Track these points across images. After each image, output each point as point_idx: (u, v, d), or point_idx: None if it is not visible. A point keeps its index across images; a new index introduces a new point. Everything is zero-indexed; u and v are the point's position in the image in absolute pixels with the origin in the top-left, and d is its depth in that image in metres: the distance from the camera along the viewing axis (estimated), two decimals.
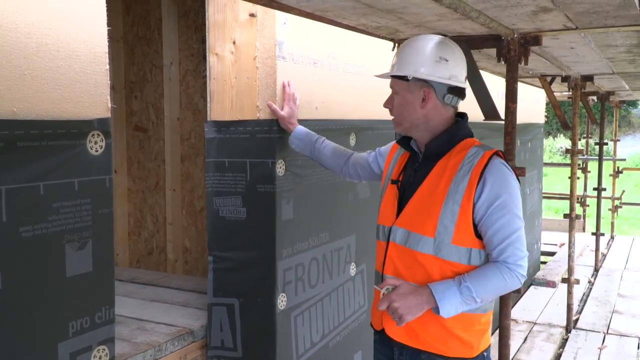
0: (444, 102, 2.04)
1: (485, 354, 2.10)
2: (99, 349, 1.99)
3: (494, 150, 2.01)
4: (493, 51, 2.89)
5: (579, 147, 5.57)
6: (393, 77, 2.09)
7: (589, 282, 7.19)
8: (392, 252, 2.07)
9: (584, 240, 8.89)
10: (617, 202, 9.77)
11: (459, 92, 2.08)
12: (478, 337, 2.05)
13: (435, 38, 2.09)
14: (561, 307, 5.84)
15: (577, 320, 5.76)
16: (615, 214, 9.84)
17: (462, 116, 2.13)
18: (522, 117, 5.75)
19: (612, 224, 9.87)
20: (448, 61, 2.03)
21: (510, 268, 1.93)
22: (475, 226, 1.96)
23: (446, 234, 1.94)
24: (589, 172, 9.48)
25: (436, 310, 1.92)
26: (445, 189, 1.96)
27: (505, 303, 2.93)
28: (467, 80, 2.16)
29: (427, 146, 2.07)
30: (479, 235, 1.97)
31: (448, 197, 1.95)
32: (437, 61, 2.02)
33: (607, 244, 9.40)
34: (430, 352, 2.01)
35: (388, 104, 2.13)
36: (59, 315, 1.87)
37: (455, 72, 2.05)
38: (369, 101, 3.55)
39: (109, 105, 2.00)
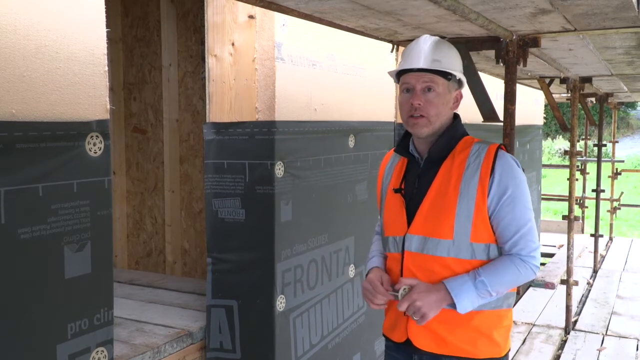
0: None
1: (507, 355, 2.08)
2: (97, 351, 1.99)
3: (497, 144, 2.02)
4: (492, 53, 2.89)
5: (578, 148, 5.55)
6: (432, 71, 1.98)
7: (588, 283, 7.19)
8: (408, 261, 2.02)
9: (583, 241, 8.88)
10: (615, 204, 9.77)
11: None
12: (505, 335, 2.04)
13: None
14: (560, 309, 5.83)
15: (576, 321, 5.75)
16: (614, 215, 9.84)
17: (455, 116, 2.12)
18: (520, 119, 5.75)
19: (611, 225, 9.86)
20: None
21: (524, 260, 1.93)
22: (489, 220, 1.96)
23: (464, 233, 1.93)
24: (588, 173, 9.48)
25: (452, 306, 1.90)
26: (457, 188, 1.95)
27: None
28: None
29: (429, 151, 2.04)
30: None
31: (461, 195, 1.94)
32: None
33: (606, 245, 9.40)
34: (453, 356, 1.97)
35: (419, 100, 1.96)
36: (58, 317, 1.86)
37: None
38: (368, 103, 3.55)
39: (108, 106, 2.00)
